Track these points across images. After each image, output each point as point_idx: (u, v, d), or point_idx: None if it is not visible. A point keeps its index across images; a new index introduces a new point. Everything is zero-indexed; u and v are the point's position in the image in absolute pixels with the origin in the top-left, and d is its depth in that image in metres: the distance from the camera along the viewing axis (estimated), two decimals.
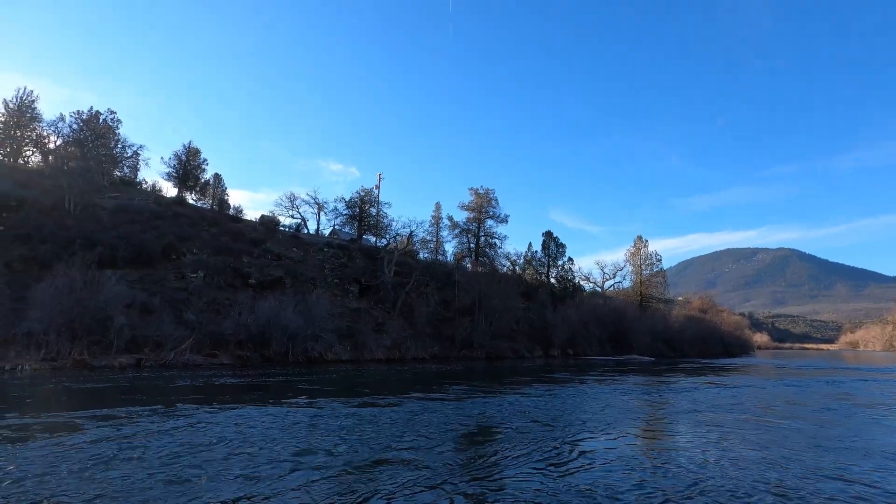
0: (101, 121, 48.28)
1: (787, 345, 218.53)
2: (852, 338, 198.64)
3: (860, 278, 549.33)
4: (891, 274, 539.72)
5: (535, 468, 7.68)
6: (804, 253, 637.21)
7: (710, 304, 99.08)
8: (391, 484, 6.63)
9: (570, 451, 8.97)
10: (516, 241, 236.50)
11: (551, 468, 7.72)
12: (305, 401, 14.51)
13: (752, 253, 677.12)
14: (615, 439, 10.16)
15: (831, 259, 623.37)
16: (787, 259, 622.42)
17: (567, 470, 7.64)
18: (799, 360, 64.91)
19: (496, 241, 62.61)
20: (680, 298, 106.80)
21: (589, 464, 8.04)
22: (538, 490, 6.56)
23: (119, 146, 50.39)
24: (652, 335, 59.73)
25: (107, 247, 31.74)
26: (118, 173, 51.17)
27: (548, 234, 67.79)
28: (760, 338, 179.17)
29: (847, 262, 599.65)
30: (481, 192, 62.88)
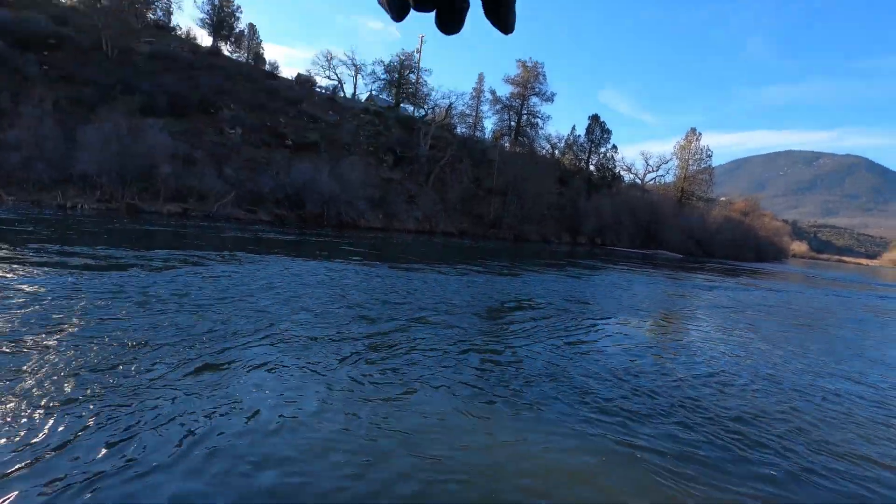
0: None
1: (826, 256, 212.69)
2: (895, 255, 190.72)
3: None
4: None
5: (551, 344, 8.21)
6: (874, 162, 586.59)
7: (754, 207, 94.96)
8: (418, 338, 7.27)
9: (585, 332, 9.47)
10: (560, 123, 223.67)
11: (566, 347, 8.23)
12: (341, 261, 15.42)
13: (814, 157, 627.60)
14: (628, 325, 10.61)
15: None
16: (853, 167, 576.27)
17: (579, 350, 8.14)
18: (831, 271, 63.61)
19: (539, 120, 59.51)
20: (724, 199, 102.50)
21: (601, 345, 8.51)
22: (549, 362, 7.08)
23: None
24: (685, 233, 58.69)
25: (146, 94, 31.81)
26: (151, 16, 49.06)
27: (594, 119, 63.85)
28: (798, 246, 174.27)
29: None
30: (529, 65, 58.14)
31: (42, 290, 7.60)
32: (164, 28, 48.39)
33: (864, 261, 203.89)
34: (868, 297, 25.35)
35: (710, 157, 70.05)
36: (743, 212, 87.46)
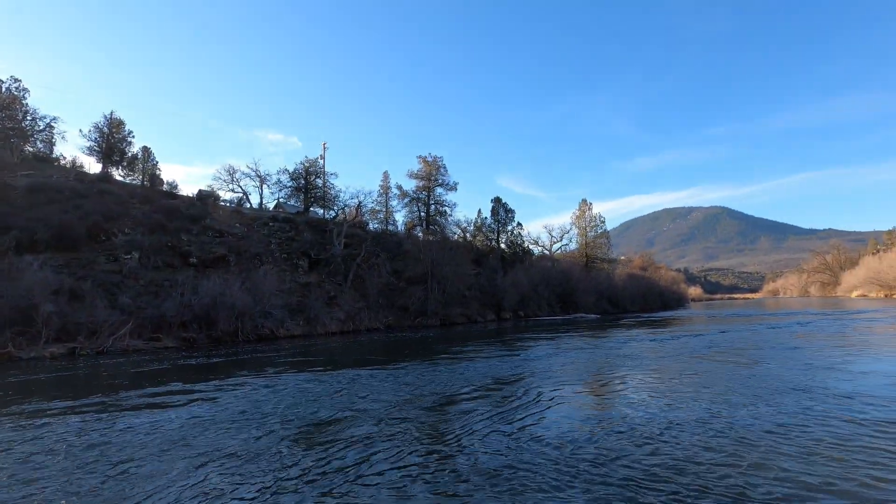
0: (3, 90, 43.34)
1: (718, 296, 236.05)
2: (773, 286, 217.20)
3: (781, 232, 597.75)
4: (807, 226, 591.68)
5: (489, 427, 8.05)
6: (734, 210, 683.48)
7: (650, 262, 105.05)
8: (349, 446, 6.76)
9: (522, 409, 9.44)
10: (466, 207, 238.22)
11: (506, 426, 8.12)
12: (257, 377, 14.30)
13: (687, 212, 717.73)
14: (565, 394, 10.78)
15: (756, 215, 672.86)
16: (719, 217, 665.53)
17: (519, 427, 8.06)
18: (727, 309, 70.52)
19: (446, 208, 62.79)
20: (623, 258, 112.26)
21: (539, 421, 8.51)
22: (491, 448, 6.90)
23: (29, 118, 45.59)
24: (597, 294, 62.80)
25: (23, 230, 29.15)
26: (30, 148, 46.49)
27: (496, 201, 68.64)
28: (694, 291, 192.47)
29: (770, 217, 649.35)
30: (430, 159, 62.38)
31: None
32: (46, 160, 45.88)
33: (749, 295, 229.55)
34: (764, 327, 28.25)
35: (603, 222, 77.55)
36: (641, 267, 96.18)
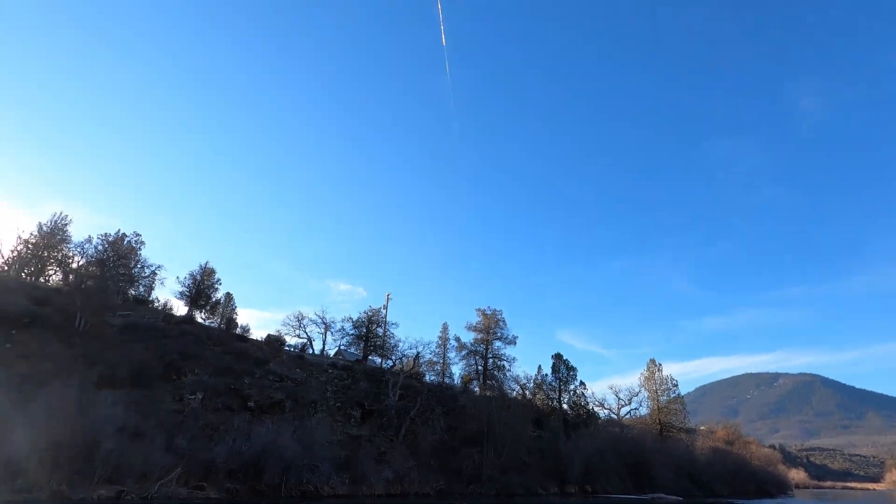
0: (125, 242, 50.80)
1: (829, 483, 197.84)
2: None
3: (893, 407, 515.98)
4: None
5: None
6: (828, 378, 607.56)
7: (737, 435, 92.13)
8: None
9: None
10: (525, 362, 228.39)
11: None
12: None
13: (772, 378, 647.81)
14: None
15: (858, 385, 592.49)
16: (811, 385, 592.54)
17: None
18: (848, 500, 58.32)
19: (505, 363, 60.90)
20: (703, 427, 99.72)
21: None
22: None
23: (139, 266, 52.29)
24: (675, 469, 54.76)
25: (107, 365, 31.26)
26: (133, 292, 52.32)
27: (557, 357, 66.08)
28: (797, 474, 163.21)
29: (876, 389, 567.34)
30: (488, 312, 62.87)
31: None
32: (143, 302, 51.09)
33: (869, 485, 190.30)
34: None
35: (676, 385, 71.26)
36: (726, 440, 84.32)
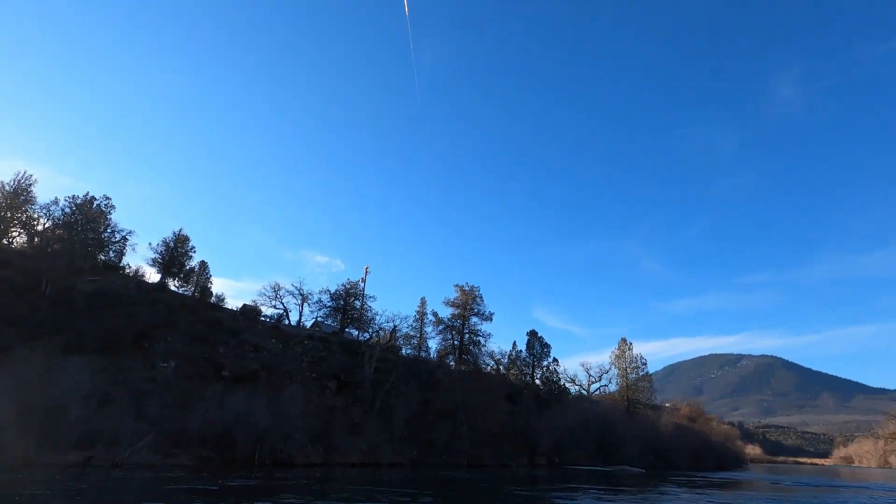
0: (94, 206, 48.97)
1: (781, 458, 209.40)
2: (845, 452, 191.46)
3: (846, 389, 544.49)
4: (876, 385, 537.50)
5: None
6: (788, 361, 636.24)
7: (699, 412, 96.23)
8: None
9: None
10: (500, 339, 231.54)
11: None
12: None
13: (736, 359, 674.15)
14: None
15: (815, 368, 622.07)
16: (772, 366, 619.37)
17: None
18: (795, 475, 61.82)
19: (480, 338, 61.63)
20: (668, 405, 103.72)
21: None
22: None
23: (109, 231, 50.59)
24: (641, 444, 56.98)
25: (75, 332, 30.52)
26: (102, 257, 50.76)
27: (532, 334, 67.27)
28: (752, 450, 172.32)
29: (831, 372, 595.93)
30: (466, 288, 63.23)
31: None
32: (114, 268, 49.66)
33: (818, 460, 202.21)
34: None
35: (645, 364, 73.51)
36: (689, 417, 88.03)
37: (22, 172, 46.61)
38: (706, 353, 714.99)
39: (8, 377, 23.31)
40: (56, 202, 46.04)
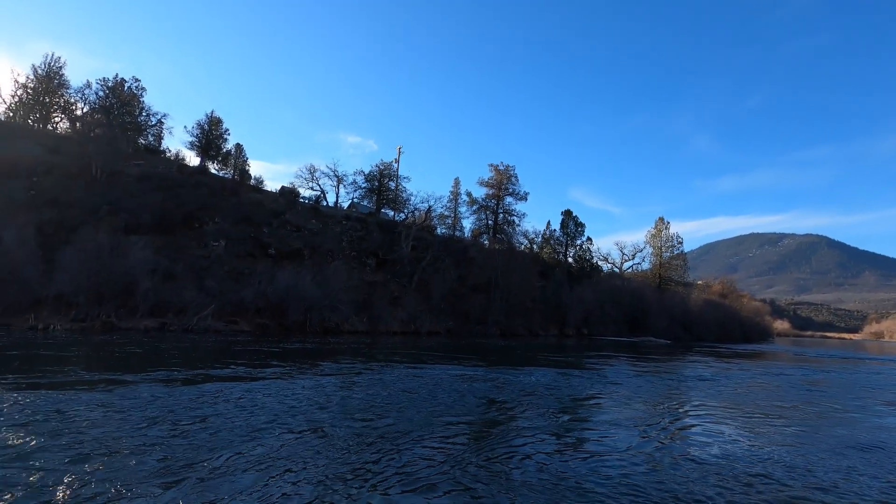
0: (125, 88, 48.69)
1: (809, 333, 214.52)
2: (877, 328, 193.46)
3: (890, 267, 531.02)
4: None
5: (553, 446, 7.72)
6: (833, 240, 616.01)
7: (731, 289, 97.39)
8: (406, 449, 6.74)
9: (580, 436, 8.98)
10: (535, 219, 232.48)
11: (562, 451, 7.74)
12: (326, 368, 14.80)
13: (777, 238, 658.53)
14: (629, 426, 10.14)
15: (861, 247, 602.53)
16: (815, 245, 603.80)
17: (576, 455, 7.65)
18: (819, 348, 63.68)
19: (514, 218, 62.07)
20: (700, 282, 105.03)
21: (599, 451, 8.02)
22: (552, 467, 6.59)
23: (143, 114, 50.89)
24: (670, 318, 59.09)
25: (131, 213, 32.46)
26: (142, 141, 51.82)
27: (567, 213, 66.88)
28: (781, 325, 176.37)
29: (877, 251, 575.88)
30: (501, 168, 62.08)
31: None
32: (155, 152, 50.90)
33: (846, 335, 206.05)
34: (867, 373, 25.13)
35: (681, 243, 73.03)
36: (721, 294, 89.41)
37: (50, 55, 46.14)
38: (746, 233, 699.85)
39: (80, 253, 25.64)
40: (89, 85, 45.99)
